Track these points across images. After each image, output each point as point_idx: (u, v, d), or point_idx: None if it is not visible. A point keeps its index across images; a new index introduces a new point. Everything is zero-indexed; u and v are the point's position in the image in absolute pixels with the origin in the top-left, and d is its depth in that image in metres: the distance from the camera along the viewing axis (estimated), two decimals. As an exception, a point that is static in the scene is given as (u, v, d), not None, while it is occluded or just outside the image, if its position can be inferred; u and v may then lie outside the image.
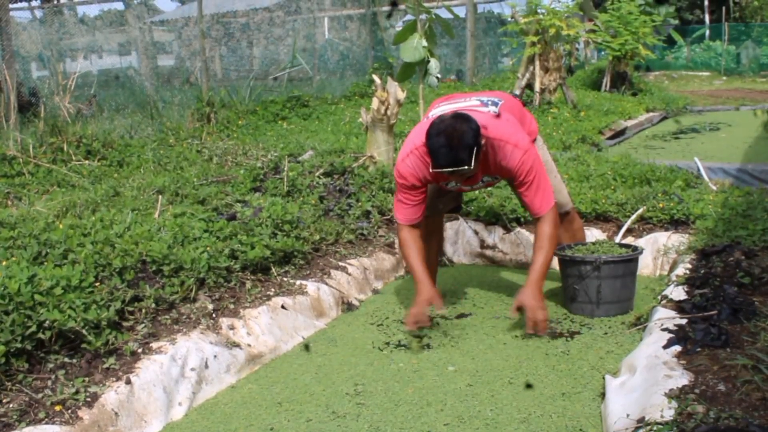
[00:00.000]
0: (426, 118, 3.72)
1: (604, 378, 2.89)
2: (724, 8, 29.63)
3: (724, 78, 23.56)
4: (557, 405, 2.77)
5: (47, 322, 2.71)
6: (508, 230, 4.84)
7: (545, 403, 2.79)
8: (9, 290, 2.70)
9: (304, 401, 2.92)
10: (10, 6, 11.12)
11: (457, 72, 15.15)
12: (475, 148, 3.23)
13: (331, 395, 2.96)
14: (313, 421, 2.75)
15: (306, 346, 3.49)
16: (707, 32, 28.77)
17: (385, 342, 3.51)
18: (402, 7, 12.63)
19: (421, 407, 2.81)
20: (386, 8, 14.01)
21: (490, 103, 3.65)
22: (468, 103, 3.66)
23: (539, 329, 3.43)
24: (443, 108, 3.65)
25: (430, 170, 3.37)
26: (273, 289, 3.73)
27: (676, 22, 22.63)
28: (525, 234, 4.78)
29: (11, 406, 2.49)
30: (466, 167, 3.24)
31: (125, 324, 3.07)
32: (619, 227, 4.58)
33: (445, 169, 3.27)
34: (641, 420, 2.28)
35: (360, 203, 4.93)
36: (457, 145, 3.21)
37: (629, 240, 4.45)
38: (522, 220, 4.85)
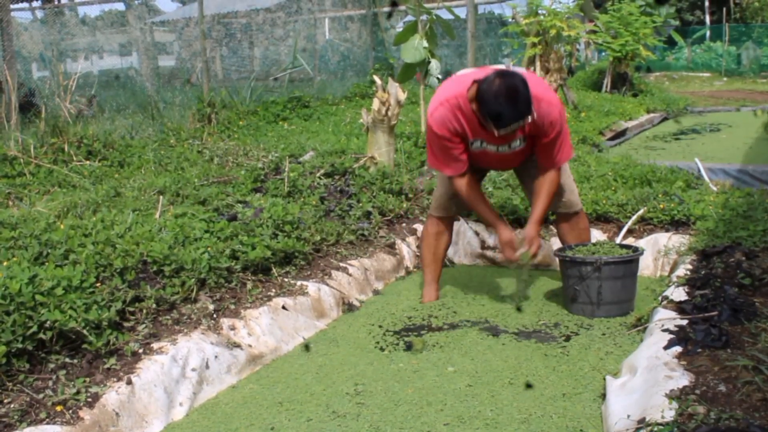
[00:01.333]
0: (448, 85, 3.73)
1: (604, 379, 2.89)
2: (724, 9, 29.65)
3: (725, 79, 23.57)
4: (558, 405, 2.77)
5: (48, 322, 2.71)
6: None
7: (545, 404, 2.79)
8: (10, 290, 2.70)
9: (304, 401, 2.92)
10: (11, 6, 11.12)
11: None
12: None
13: (331, 395, 2.96)
14: (314, 420, 2.75)
15: (306, 346, 3.50)
16: (708, 33, 28.78)
17: (386, 342, 3.51)
18: (402, 7, 12.64)
19: (421, 407, 2.81)
20: (387, 9, 14.01)
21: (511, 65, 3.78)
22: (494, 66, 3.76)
23: (534, 253, 3.79)
24: (466, 74, 3.69)
25: (497, 133, 3.41)
26: (274, 290, 3.73)
27: (677, 23, 22.65)
28: (525, 235, 4.78)
29: (12, 406, 2.49)
30: (530, 117, 3.37)
31: (126, 324, 3.07)
32: (620, 228, 4.58)
33: (511, 126, 3.36)
34: (642, 421, 2.28)
35: (361, 204, 4.94)
36: (517, 100, 3.30)
37: (630, 241, 4.45)
38: (523, 221, 4.84)
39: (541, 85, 3.66)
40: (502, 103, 3.30)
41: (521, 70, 3.73)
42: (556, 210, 4.10)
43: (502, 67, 3.66)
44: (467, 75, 3.64)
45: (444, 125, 3.58)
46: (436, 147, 3.70)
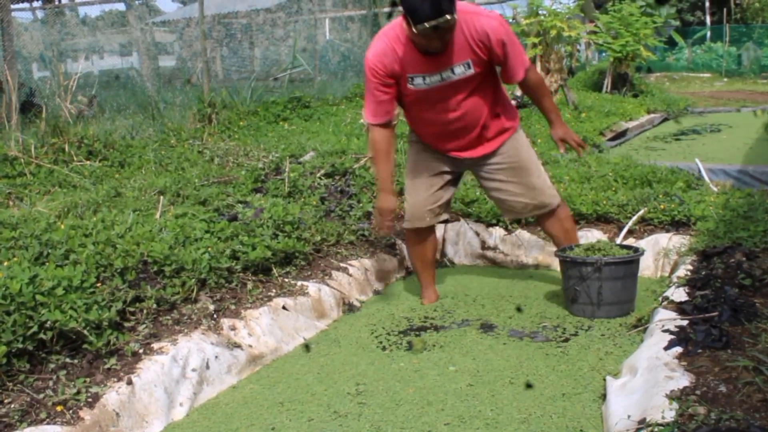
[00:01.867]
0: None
1: (604, 379, 2.89)
2: (725, 10, 29.66)
3: (725, 79, 23.59)
4: (558, 405, 2.77)
5: (49, 322, 2.71)
6: (508, 231, 4.84)
7: (545, 404, 2.79)
8: (11, 290, 2.70)
9: (305, 401, 2.92)
10: (12, 6, 11.12)
11: None
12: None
13: (332, 395, 2.96)
14: (315, 420, 2.76)
15: (306, 346, 3.50)
16: (708, 34, 28.81)
17: (387, 342, 3.51)
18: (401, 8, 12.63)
19: (422, 407, 2.81)
20: (387, 9, 14.00)
21: None
22: None
23: (582, 145, 3.87)
24: None
25: (414, 30, 3.27)
26: (274, 290, 3.73)
27: (677, 23, 22.68)
28: (526, 235, 4.78)
29: (12, 406, 2.49)
30: (449, 17, 3.23)
31: (126, 324, 3.07)
32: (620, 228, 4.58)
33: (429, 23, 3.22)
34: (642, 421, 2.28)
35: (361, 204, 4.94)
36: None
37: (630, 241, 4.45)
38: (522, 221, 4.85)
39: (475, 5, 3.66)
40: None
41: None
42: (532, 215, 4.01)
43: None
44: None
45: (379, 58, 3.47)
46: (368, 86, 3.56)
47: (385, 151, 3.66)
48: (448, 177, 3.90)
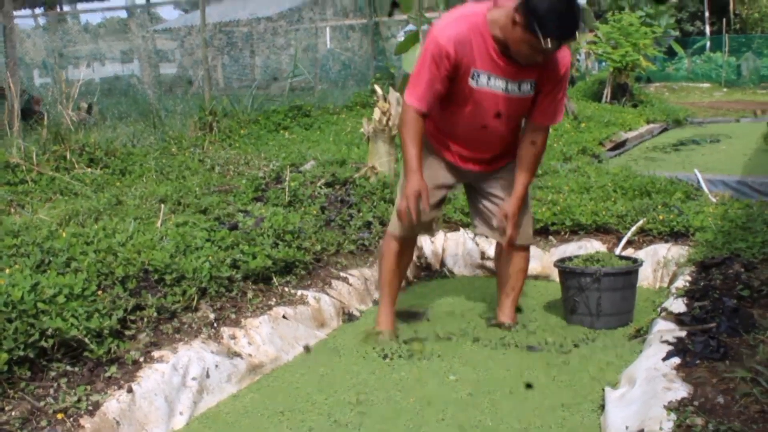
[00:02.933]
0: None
1: (603, 389, 2.90)
2: (724, 20, 29.74)
3: (725, 90, 23.63)
4: (557, 416, 2.79)
5: (50, 330, 2.72)
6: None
7: (545, 414, 2.80)
8: (12, 298, 2.71)
9: (305, 410, 2.93)
10: (14, 14, 11.15)
11: None
12: None
13: (332, 404, 2.97)
14: (315, 429, 2.77)
15: (306, 348, 3.51)
16: (708, 44, 28.87)
17: (387, 352, 3.52)
18: (404, 17, 12.67)
19: (423, 416, 2.83)
20: (387, 18, 14.05)
21: None
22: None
23: (509, 236, 3.56)
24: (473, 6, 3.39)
25: (544, 46, 3.05)
26: (274, 299, 3.74)
27: (677, 33, 22.74)
28: (525, 245, 4.79)
29: (13, 413, 2.50)
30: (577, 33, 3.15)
31: (127, 333, 3.08)
32: (619, 239, 4.59)
33: (562, 41, 3.11)
34: (640, 432, 2.30)
35: (361, 214, 4.95)
36: (575, 8, 3.05)
37: (629, 252, 4.46)
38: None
39: None
40: (563, 11, 3.00)
41: None
42: (503, 239, 3.68)
43: None
44: (476, 5, 3.30)
45: (452, 41, 3.18)
46: (426, 65, 3.24)
47: (418, 131, 3.34)
48: (445, 191, 3.73)
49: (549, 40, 3.04)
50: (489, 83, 3.32)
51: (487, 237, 3.97)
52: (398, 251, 3.71)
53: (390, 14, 13.70)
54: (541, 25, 3.00)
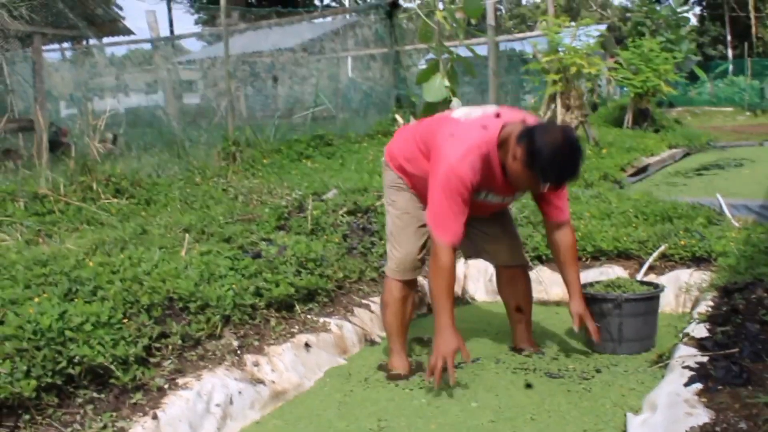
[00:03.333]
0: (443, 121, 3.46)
1: (625, 415, 2.89)
2: (746, 43, 29.66)
3: (748, 113, 23.51)
4: (579, 442, 2.78)
5: (77, 357, 2.78)
6: (530, 268, 4.86)
7: (567, 441, 2.80)
8: (41, 326, 2.78)
9: (327, 437, 2.95)
10: (42, 48, 11.41)
11: None
12: None
13: (353, 431, 2.99)
14: (336, 457, 2.78)
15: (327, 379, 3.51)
16: (730, 67, 28.80)
17: (409, 379, 3.53)
18: (410, 47, 12.77)
19: (443, 444, 2.83)
20: (408, 48, 14.15)
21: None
22: (494, 107, 3.49)
23: (593, 331, 3.59)
24: (467, 109, 3.48)
25: (544, 189, 3.18)
26: (297, 327, 3.77)
27: (698, 58, 22.70)
28: (547, 272, 4.80)
29: (42, 440, 2.54)
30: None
31: (152, 360, 3.13)
32: (641, 265, 4.59)
33: (562, 184, 3.22)
34: (662, 458, 2.29)
35: (383, 241, 4.98)
36: (579, 158, 3.07)
37: (651, 278, 4.45)
38: (544, 258, 4.87)
39: None
40: (565, 161, 3.03)
41: (512, 111, 3.42)
42: (504, 263, 3.82)
43: (490, 109, 3.41)
44: (480, 119, 3.31)
45: (475, 174, 3.17)
46: (450, 201, 3.19)
47: (452, 281, 3.30)
48: None
49: (545, 182, 3.12)
50: (487, 198, 3.41)
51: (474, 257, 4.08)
52: (402, 297, 3.63)
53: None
54: (542, 171, 3.04)
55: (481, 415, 3.06)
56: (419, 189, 3.51)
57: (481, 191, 3.34)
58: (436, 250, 3.26)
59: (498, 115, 3.30)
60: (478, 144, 3.19)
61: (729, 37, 31.83)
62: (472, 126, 3.28)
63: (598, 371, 3.50)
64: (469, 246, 3.82)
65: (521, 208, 5.47)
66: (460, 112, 3.48)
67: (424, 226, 3.55)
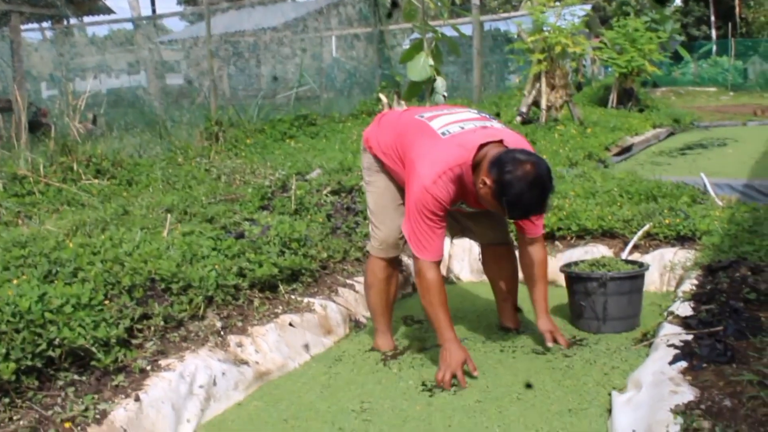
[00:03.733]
0: (420, 119, 3.41)
1: (610, 394, 2.90)
2: (730, 24, 29.74)
3: (731, 93, 23.61)
4: (564, 421, 2.78)
5: (57, 339, 2.74)
6: (515, 247, 4.85)
7: (552, 419, 2.80)
8: (20, 308, 2.73)
9: (309, 418, 2.93)
10: (21, 27, 11.24)
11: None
12: None
13: (337, 412, 2.97)
14: (320, 437, 2.77)
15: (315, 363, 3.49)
16: (714, 48, 28.87)
17: (393, 359, 3.52)
18: (408, 25, 12.70)
19: (429, 423, 2.82)
20: (388, 24, 14.06)
21: (490, 116, 3.51)
22: (474, 114, 3.46)
23: (564, 344, 3.50)
24: (446, 119, 3.39)
25: (507, 217, 3.23)
26: (281, 307, 3.75)
27: (683, 38, 22.71)
28: (532, 251, 4.79)
29: (21, 423, 2.51)
30: None
31: (134, 342, 3.10)
32: (626, 244, 4.59)
33: (529, 217, 3.20)
34: (647, 436, 2.29)
35: (367, 221, 4.95)
36: (546, 195, 3.03)
37: (636, 256, 4.45)
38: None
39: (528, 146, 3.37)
40: (532, 198, 2.97)
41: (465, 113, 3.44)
42: (489, 241, 3.82)
43: (494, 122, 3.39)
44: (458, 135, 3.24)
45: (449, 194, 3.17)
46: (427, 220, 3.18)
47: (443, 294, 3.28)
48: None
49: (513, 215, 3.11)
50: (462, 206, 3.40)
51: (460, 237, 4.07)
52: (386, 276, 3.63)
53: (389, 16, 13.66)
54: (508, 205, 3.00)
55: (468, 396, 3.05)
56: (397, 174, 3.49)
57: (456, 203, 3.32)
58: (420, 267, 3.25)
59: (476, 131, 3.23)
60: (451, 166, 3.14)
61: (713, 18, 31.86)
62: (448, 144, 3.22)
63: (581, 349, 3.50)
64: (454, 225, 3.81)
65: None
66: (437, 122, 3.36)
67: (400, 205, 3.52)
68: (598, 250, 4.60)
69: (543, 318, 3.57)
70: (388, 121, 3.62)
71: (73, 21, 16.11)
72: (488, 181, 3.02)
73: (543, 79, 10.54)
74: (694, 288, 3.64)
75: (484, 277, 4.88)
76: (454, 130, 3.28)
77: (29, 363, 2.65)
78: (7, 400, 2.57)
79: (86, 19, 16.10)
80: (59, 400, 2.66)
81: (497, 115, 10.02)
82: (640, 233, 4.60)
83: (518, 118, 10.70)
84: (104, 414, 2.63)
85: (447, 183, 3.15)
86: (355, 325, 4.03)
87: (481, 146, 3.13)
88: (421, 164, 3.19)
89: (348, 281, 4.28)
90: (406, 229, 3.28)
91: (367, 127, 3.73)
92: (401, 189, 3.50)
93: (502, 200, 3.00)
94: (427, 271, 3.23)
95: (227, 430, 2.87)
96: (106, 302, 3.11)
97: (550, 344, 3.51)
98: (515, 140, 3.27)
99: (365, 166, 3.66)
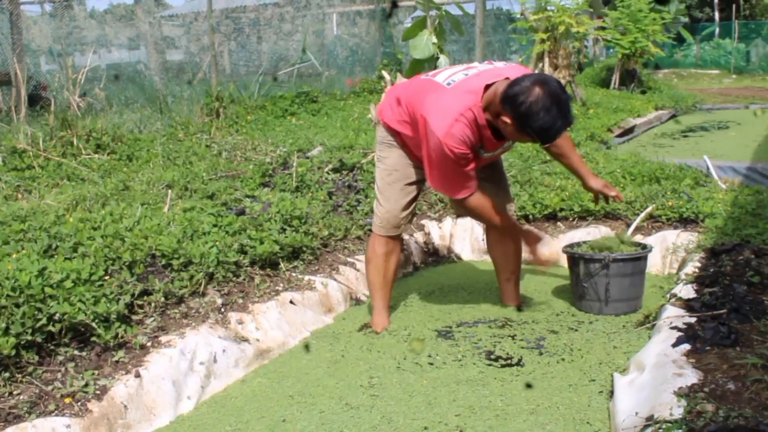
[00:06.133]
0: (430, 79, 3.41)
1: (611, 373, 2.89)
2: (734, 6, 29.52)
3: (734, 76, 23.50)
4: (564, 397, 2.79)
5: (57, 314, 2.72)
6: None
7: (553, 395, 2.81)
8: (20, 283, 2.71)
9: (316, 394, 2.93)
10: (21, 0, 11.14)
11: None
12: None
13: (344, 388, 2.97)
14: (326, 412, 2.77)
15: (306, 346, 3.45)
16: (717, 30, 28.69)
17: (397, 336, 3.51)
18: (405, 3, 12.61)
19: (434, 398, 2.84)
20: (389, 15, 13.97)
21: (494, 61, 3.50)
22: (479, 64, 3.46)
23: (618, 197, 3.64)
24: (450, 71, 3.41)
25: (544, 144, 3.37)
26: (281, 284, 3.73)
27: (686, 19, 22.57)
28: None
29: (21, 397, 2.50)
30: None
31: (135, 317, 3.09)
32: (628, 225, 4.57)
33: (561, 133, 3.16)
34: (650, 418, 2.28)
35: (368, 199, 4.94)
36: (567, 108, 3.03)
37: (638, 238, 4.44)
38: (531, 217, 4.85)
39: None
40: (555, 116, 2.97)
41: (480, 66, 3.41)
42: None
43: (504, 67, 3.37)
44: (463, 82, 3.26)
45: (465, 143, 3.16)
46: (451, 169, 3.23)
47: (504, 211, 3.57)
48: (420, 186, 3.65)
49: (544, 141, 3.18)
50: (484, 155, 3.39)
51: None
52: (385, 252, 3.64)
53: (389, 16, 13.62)
54: (537, 133, 3.04)
55: (471, 369, 3.07)
56: (410, 147, 3.48)
57: (483, 150, 3.34)
58: (469, 202, 3.38)
59: (480, 74, 3.25)
60: (462, 112, 3.15)
61: (716, 0, 31.65)
62: (454, 92, 3.23)
63: (584, 330, 3.49)
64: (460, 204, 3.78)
65: (508, 167, 5.42)
66: (442, 76, 3.38)
67: (411, 184, 3.56)
68: (601, 232, 4.58)
69: (591, 179, 3.68)
70: (396, 90, 3.63)
71: (72, -6, 15.96)
72: (508, 120, 3.05)
73: (546, 59, 10.47)
74: (696, 271, 3.63)
75: (486, 257, 4.88)
76: (459, 78, 3.30)
77: (29, 338, 2.64)
78: (7, 374, 2.57)
79: (86, -8, 15.97)
80: (59, 375, 2.65)
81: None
82: (642, 215, 4.58)
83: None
84: (104, 390, 2.62)
85: (463, 129, 3.15)
86: (356, 303, 4.02)
87: (487, 86, 3.16)
88: (432, 118, 3.19)
89: (349, 259, 4.26)
90: (434, 182, 3.37)
91: (380, 103, 3.72)
92: (414, 166, 3.52)
93: (528, 131, 3.04)
94: (475, 200, 3.37)
95: (231, 407, 2.87)
96: (107, 278, 3.09)
97: (596, 203, 3.81)
98: (518, 72, 3.26)
99: (379, 140, 3.64)
